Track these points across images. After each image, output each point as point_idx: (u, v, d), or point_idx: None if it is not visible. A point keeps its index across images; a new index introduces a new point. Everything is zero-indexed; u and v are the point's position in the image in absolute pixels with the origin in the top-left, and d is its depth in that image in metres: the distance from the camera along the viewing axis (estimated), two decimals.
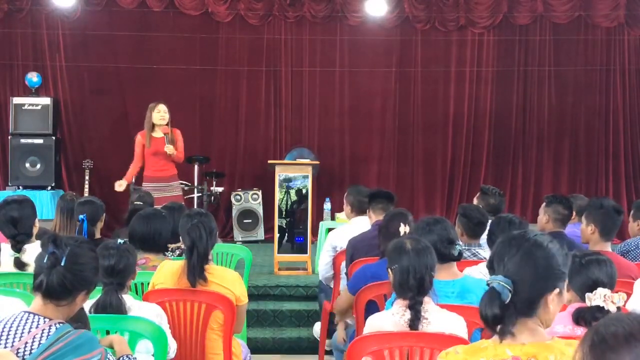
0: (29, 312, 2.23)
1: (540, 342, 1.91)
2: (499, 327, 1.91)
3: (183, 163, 7.21)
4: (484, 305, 1.90)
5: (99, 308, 2.92)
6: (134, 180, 8.50)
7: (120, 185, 6.86)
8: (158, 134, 6.75)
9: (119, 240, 3.17)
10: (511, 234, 2.00)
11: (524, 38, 9.60)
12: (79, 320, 2.51)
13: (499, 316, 1.88)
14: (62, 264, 2.21)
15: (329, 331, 5.02)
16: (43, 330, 2.18)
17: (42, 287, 2.21)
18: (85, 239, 2.33)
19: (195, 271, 3.35)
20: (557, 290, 1.92)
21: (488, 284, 1.92)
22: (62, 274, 2.22)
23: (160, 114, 6.73)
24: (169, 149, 6.62)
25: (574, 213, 5.15)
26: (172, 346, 3.08)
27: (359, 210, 5.23)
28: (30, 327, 2.18)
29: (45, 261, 2.21)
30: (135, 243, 3.95)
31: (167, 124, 6.75)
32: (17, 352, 2.13)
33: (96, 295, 3.02)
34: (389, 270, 2.97)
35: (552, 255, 1.92)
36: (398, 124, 9.65)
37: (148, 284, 3.60)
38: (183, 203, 6.77)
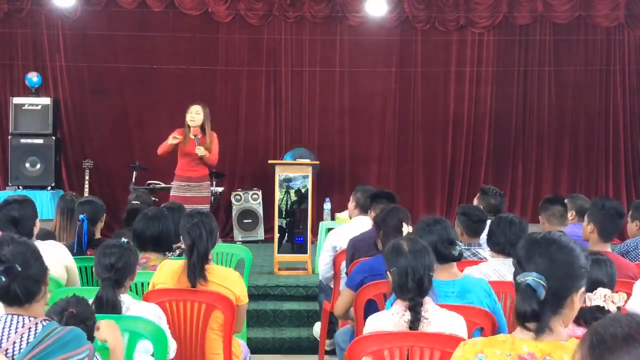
0: (12, 314, 2.22)
1: (557, 341, 1.93)
2: (534, 324, 1.92)
3: None
4: (521, 302, 1.92)
5: (96, 304, 2.93)
6: (133, 180, 8.54)
7: (172, 139, 6.59)
8: (192, 134, 6.65)
9: (123, 239, 3.17)
10: (535, 235, 2.03)
11: (524, 38, 9.61)
12: (85, 321, 2.52)
13: (537, 312, 1.90)
14: (20, 270, 2.21)
15: (329, 331, 5.02)
16: (30, 328, 2.18)
17: (19, 297, 2.21)
18: (10, 236, 2.32)
19: (196, 271, 3.35)
20: (582, 289, 1.96)
21: (518, 281, 1.93)
22: (28, 275, 2.22)
23: (191, 115, 6.61)
24: (199, 150, 6.54)
25: (574, 213, 5.16)
26: (172, 346, 3.08)
27: (362, 209, 5.25)
28: (17, 327, 2.18)
29: (3, 279, 2.18)
30: (142, 243, 3.96)
31: (200, 126, 6.60)
32: (7, 353, 2.13)
33: (94, 293, 3.03)
34: (388, 272, 2.96)
35: (578, 254, 1.97)
36: (398, 124, 9.65)
37: (148, 283, 3.60)
38: (208, 205, 6.80)
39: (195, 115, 6.62)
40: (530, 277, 1.91)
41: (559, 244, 1.96)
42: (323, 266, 5.24)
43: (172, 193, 6.70)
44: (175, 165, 6.79)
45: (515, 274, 1.98)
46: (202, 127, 6.65)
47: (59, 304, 2.56)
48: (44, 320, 2.24)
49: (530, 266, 1.94)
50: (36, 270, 2.26)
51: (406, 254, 2.89)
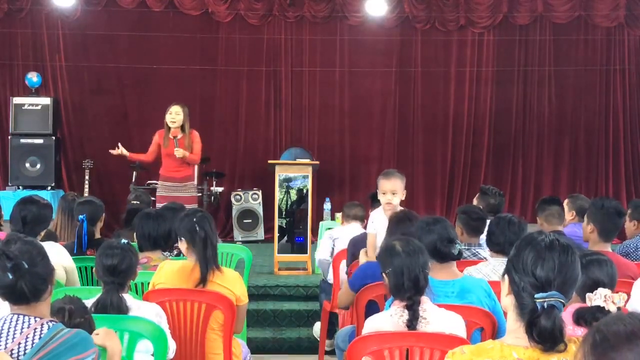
0: (18, 314, 2.22)
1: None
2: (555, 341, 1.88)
3: None
4: (551, 324, 1.86)
5: (99, 307, 2.92)
6: (133, 179, 8.53)
7: (117, 150, 6.66)
8: (171, 136, 6.60)
9: (123, 240, 3.16)
10: (538, 240, 1.96)
11: (524, 38, 9.61)
12: (82, 316, 2.51)
13: (562, 329, 1.87)
14: (27, 267, 2.21)
15: (329, 331, 5.03)
16: (35, 329, 2.18)
17: (25, 295, 2.21)
18: (17, 235, 2.33)
19: (210, 263, 3.35)
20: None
21: (540, 301, 1.88)
22: (35, 273, 2.22)
23: (171, 116, 6.55)
24: (178, 152, 6.47)
25: (574, 213, 5.16)
26: (172, 346, 3.08)
27: (348, 218, 5.70)
28: (22, 328, 2.18)
29: (10, 276, 2.19)
30: (142, 242, 3.96)
31: (181, 127, 6.55)
32: (12, 354, 2.13)
33: (96, 294, 3.02)
34: (383, 274, 2.97)
35: (577, 257, 1.95)
36: (398, 124, 9.65)
37: (148, 283, 3.60)
38: (196, 204, 6.79)
39: (176, 115, 6.55)
40: (554, 299, 1.87)
41: (568, 253, 1.93)
42: (321, 250, 5.42)
43: (158, 193, 6.67)
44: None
45: (526, 287, 1.91)
46: (182, 127, 6.60)
47: (54, 304, 2.56)
48: (50, 321, 2.23)
49: (553, 284, 1.89)
50: (43, 269, 2.26)
51: (400, 254, 2.90)
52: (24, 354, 2.13)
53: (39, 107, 8.65)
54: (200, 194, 8.06)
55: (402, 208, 4.20)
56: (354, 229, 5.39)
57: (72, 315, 2.50)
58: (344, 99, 9.61)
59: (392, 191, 4.17)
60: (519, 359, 1.89)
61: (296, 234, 7.06)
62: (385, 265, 2.95)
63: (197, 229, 3.39)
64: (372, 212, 4.40)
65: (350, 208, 5.82)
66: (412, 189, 9.59)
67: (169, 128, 6.60)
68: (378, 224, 4.16)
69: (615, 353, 1.39)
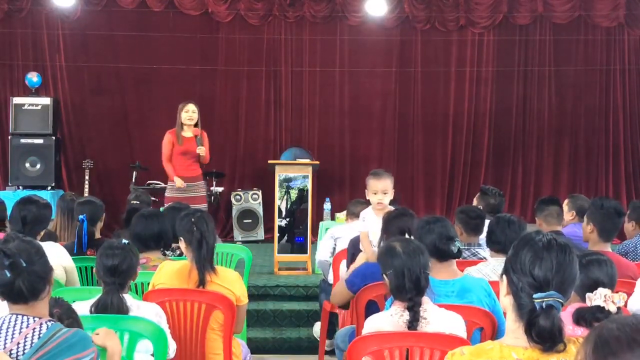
0: (17, 314, 2.22)
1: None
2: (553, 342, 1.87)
3: None
4: (550, 323, 1.86)
5: (99, 307, 2.92)
6: (133, 180, 8.53)
7: (180, 182, 6.57)
8: (188, 133, 6.64)
9: (123, 241, 3.16)
10: (536, 240, 1.95)
11: (524, 38, 9.61)
12: (70, 317, 2.51)
13: (561, 328, 1.87)
14: (25, 265, 2.21)
15: (329, 331, 5.02)
16: (34, 329, 2.18)
17: (23, 293, 2.21)
18: (15, 234, 2.32)
19: (205, 265, 3.35)
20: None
21: (538, 301, 1.87)
22: (33, 271, 2.22)
23: (188, 113, 6.61)
24: (201, 150, 6.55)
25: (574, 213, 5.17)
26: (172, 346, 3.08)
27: (353, 216, 5.61)
28: (21, 327, 2.18)
29: (8, 274, 2.18)
30: (141, 243, 3.96)
31: (196, 124, 6.64)
32: (10, 353, 2.13)
33: (96, 294, 3.02)
34: (384, 275, 2.97)
35: (575, 257, 1.95)
36: (398, 124, 9.65)
37: (148, 284, 3.60)
38: (206, 204, 6.80)
39: (192, 114, 6.63)
40: (552, 298, 1.87)
41: (566, 253, 1.93)
42: (322, 250, 5.41)
43: (168, 194, 6.65)
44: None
45: (524, 286, 1.90)
46: (195, 125, 6.67)
47: None
48: (49, 321, 2.23)
49: (552, 283, 1.89)
50: (41, 268, 2.25)
51: (400, 255, 2.90)
52: (23, 353, 2.13)
53: (39, 107, 8.64)
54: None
55: (391, 207, 4.22)
56: (356, 227, 5.36)
57: (61, 319, 2.50)
58: (344, 99, 9.62)
59: (383, 191, 4.19)
60: (519, 359, 1.89)
61: (296, 234, 7.06)
62: (385, 266, 2.95)
63: (194, 229, 3.39)
64: (363, 211, 4.42)
65: (355, 205, 5.79)
66: (412, 189, 9.61)
67: (182, 126, 6.62)
68: (369, 222, 4.17)
69: (615, 359, 1.39)
